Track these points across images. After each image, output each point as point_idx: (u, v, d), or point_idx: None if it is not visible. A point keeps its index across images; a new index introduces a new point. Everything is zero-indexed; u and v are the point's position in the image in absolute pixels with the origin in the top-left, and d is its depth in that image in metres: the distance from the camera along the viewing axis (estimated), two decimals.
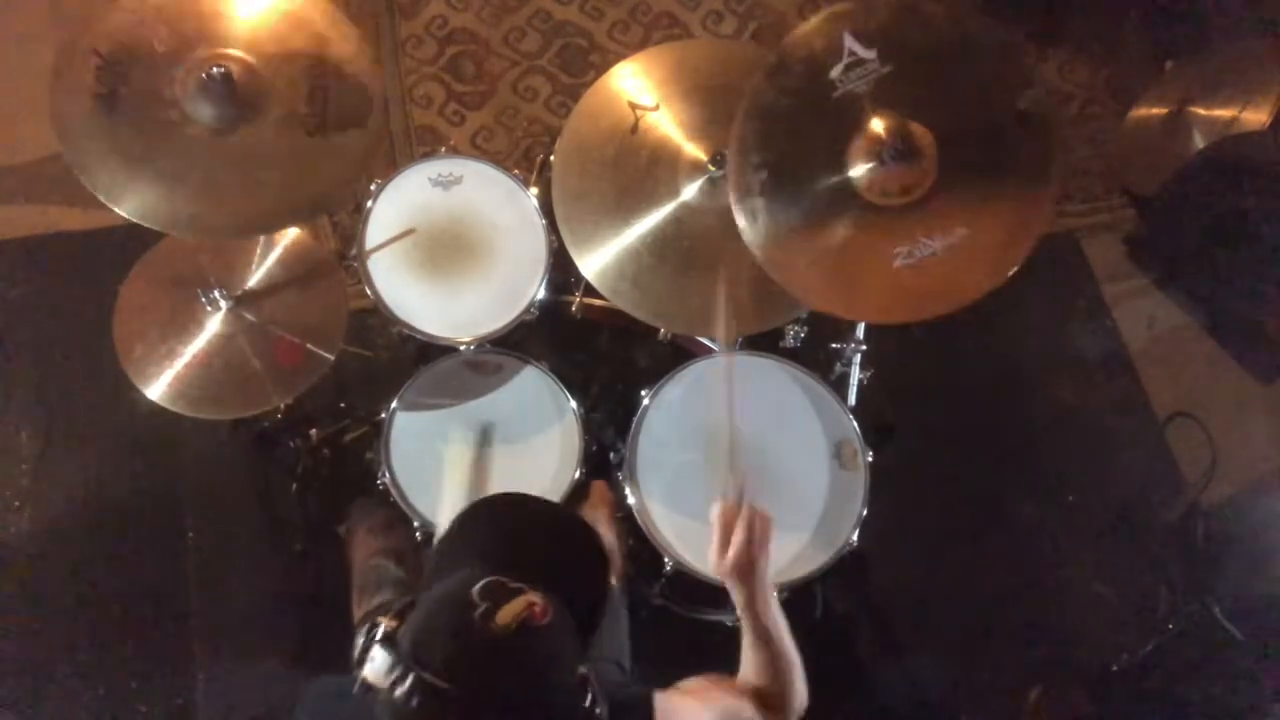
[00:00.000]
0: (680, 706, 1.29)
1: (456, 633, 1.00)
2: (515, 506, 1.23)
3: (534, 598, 1.01)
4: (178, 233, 1.79)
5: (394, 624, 1.06)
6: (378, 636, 1.04)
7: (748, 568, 1.34)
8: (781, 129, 1.67)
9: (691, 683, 1.36)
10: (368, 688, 1.02)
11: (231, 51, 1.76)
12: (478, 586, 1.01)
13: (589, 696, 1.06)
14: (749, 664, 1.39)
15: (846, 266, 1.67)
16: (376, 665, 1.01)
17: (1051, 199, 1.63)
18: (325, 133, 1.79)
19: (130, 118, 1.71)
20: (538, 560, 1.11)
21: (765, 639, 1.37)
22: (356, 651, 1.08)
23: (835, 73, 1.64)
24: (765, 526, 1.36)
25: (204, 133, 1.74)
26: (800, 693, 1.39)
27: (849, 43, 1.63)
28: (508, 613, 0.99)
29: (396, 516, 1.93)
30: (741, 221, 1.66)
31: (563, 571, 1.12)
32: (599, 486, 2.01)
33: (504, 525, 1.20)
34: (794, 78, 1.66)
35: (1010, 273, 1.60)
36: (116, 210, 1.70)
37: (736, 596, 1.36)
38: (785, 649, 1.38)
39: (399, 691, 0.98)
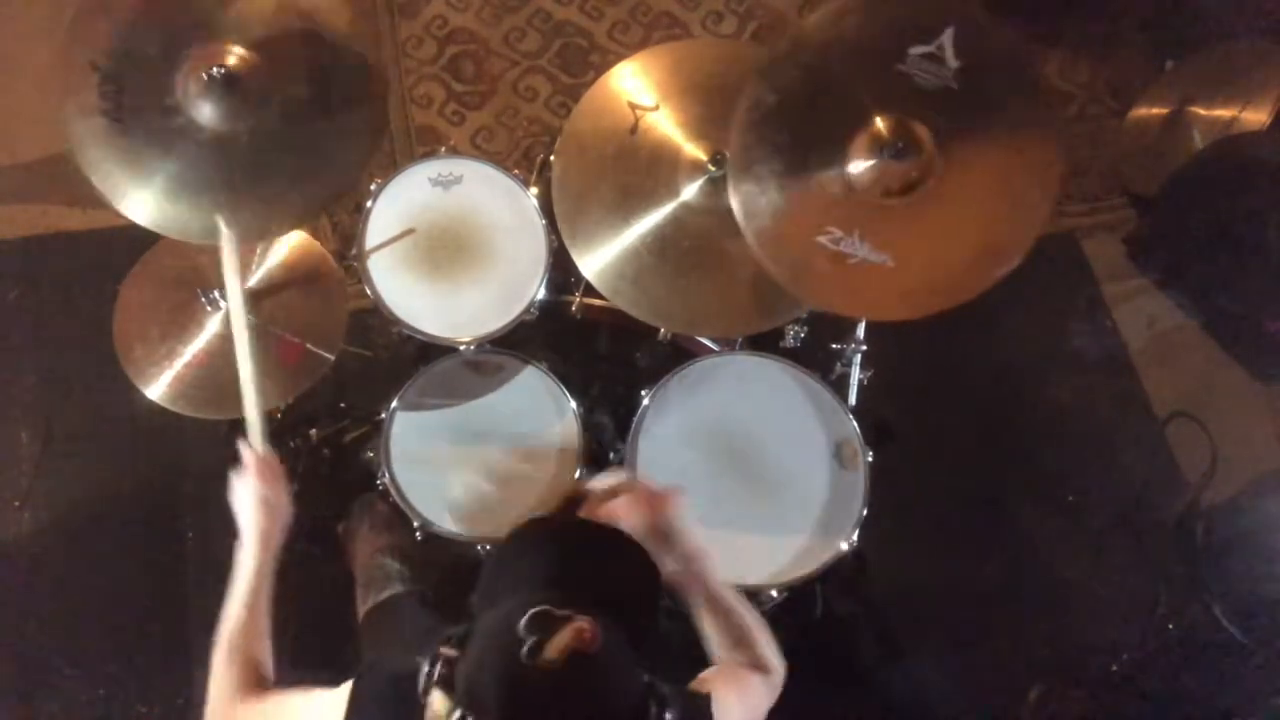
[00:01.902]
0: (723, 699, 1.28)
1: (507, 674, 0.99)
2: (567, 527, 1.26)
3: (582, 623, 0.99)
4: (203, 240, 1.76)
5: (452, 654, 1.06)
6: (437, 677, 1.05)
7: (660, 534, 1.38)
8: (789, 111, 1.66)
9: (709, 673, 1.36)
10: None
11: (227, 46, 1.74)
12: (523, 621, 0.99)
13: (654, 707, 1.05)
14: (718, 638, 1.41)
15: (843, 261, 1.66)
16: (435, 709, 1.02)
17: (1051, 200, 1.63)
18: (332, 112, 1.78)
19: (141, 131, 1.71)
20: (586, 577, 1.11)
21: (720, 605, 1.39)
22: (420, 684, 1.08)
23: (913, 52, 1.60)
24: (643, 492, 1.41)
25: (213, 136, 1.73)
26: (775, 649, 1.41)
27: (947, 39, 1.59)
28: (555, 647, 0.97)
29: (398, 514, 1.93)
30: (739, 210, 1.66)
31: (611, 584, 1.11)
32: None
33: (556, 546, 1.19)
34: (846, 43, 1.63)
35: (1007, 271, 1.60)
36: (147, 226, 1.70)
37: (668, 564, 1.39)
38: (740, 608, 1.41)
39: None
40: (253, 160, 1.74)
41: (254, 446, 1.55)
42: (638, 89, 1.95)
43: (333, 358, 2.00)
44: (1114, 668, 2.41)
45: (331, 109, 1.78)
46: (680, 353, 2.08)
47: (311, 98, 1.77)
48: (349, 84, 1.80)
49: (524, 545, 1.19)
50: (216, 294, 1.96)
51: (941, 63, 1.60)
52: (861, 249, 1.63)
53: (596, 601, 1.03)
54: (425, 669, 1.08)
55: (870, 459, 1.94)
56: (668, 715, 1.06)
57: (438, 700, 1.03)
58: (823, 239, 1.64)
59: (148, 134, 1.70)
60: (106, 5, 1.71)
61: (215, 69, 1.68)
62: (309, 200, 1.82)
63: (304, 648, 2.33)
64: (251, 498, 1.47)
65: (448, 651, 1.06)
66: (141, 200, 1.72)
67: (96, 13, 1.70)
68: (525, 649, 0.97)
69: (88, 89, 1.67)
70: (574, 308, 2.06)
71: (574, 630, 0.98)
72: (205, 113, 1.72)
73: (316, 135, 1.78)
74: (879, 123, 1.64)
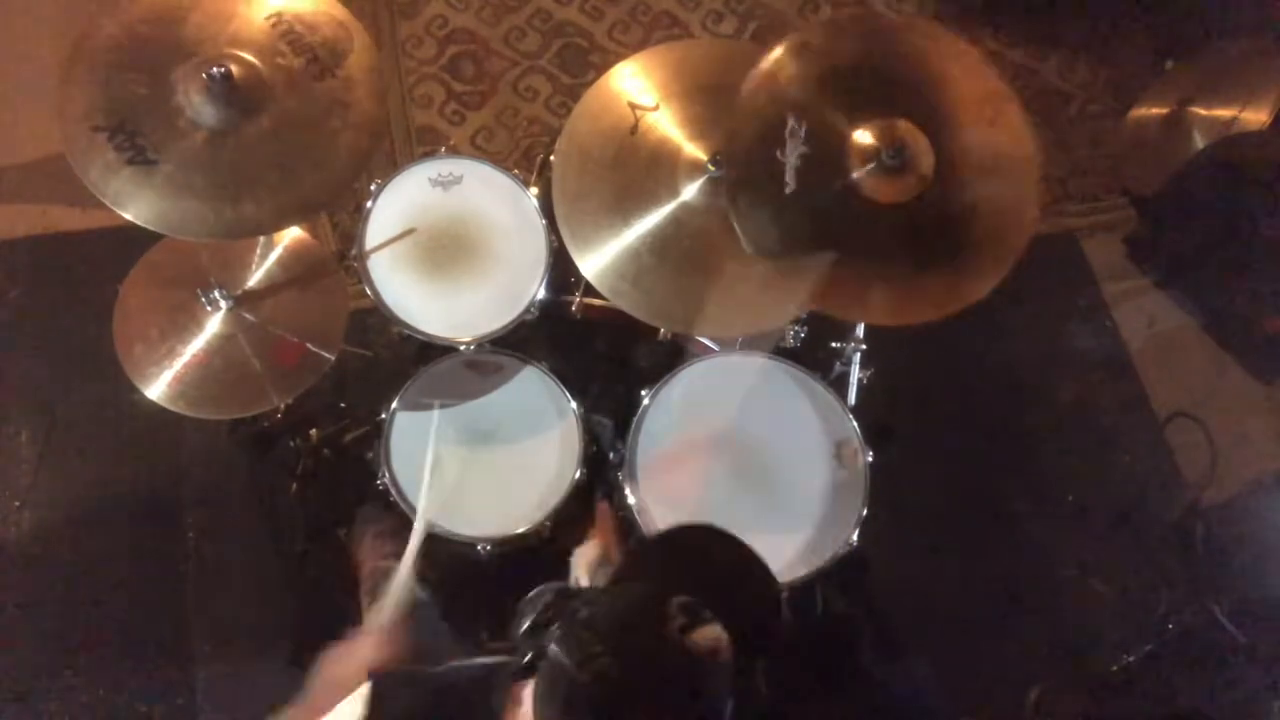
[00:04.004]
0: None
1: (655, 635, 1.03)
2: (720, 540, 1.25)
3: (724, 634, 1.04)
4: (223, 236, 1.76)
5: (587, 612, 1.09)
6: (580, 616, 1.07)
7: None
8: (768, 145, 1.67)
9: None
10: (554, 666, 1.05)
11: (205, 56, 1.74)
12: (677, 600, 1.05)
13: None
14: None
15: (848, 267, 1.67)
16: (570, 644, 1.04)
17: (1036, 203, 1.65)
18: (331, 72, 1.78)
19: (174, 158, 1.70)
20: (731, 605, 1.12)
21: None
22: (528, 621, 1.14)
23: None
24: None
25: (222, 131, 1.73)
26: None
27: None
28: (704, 635, 1.03)
29: (403, 522, 1.93)
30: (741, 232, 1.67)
31: (749, 623, 1.13)
32: (601, 509, 2.01)
33: (709, 558, 1.23)
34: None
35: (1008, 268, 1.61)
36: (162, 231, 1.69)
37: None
38: None
39: (586, 671, 1.01)
40: (265, 147, 1.74)
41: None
42: (638, 89, 1.95)
43: (333, 358, 2.00)
44: (1114, 668, 2.40)
45: (326, 68, 1.78)
46: (680, 353, 2.08)
47: (305, 65, 1.77)
48: (330, 42, 1.79)
49: (677, 546, 1.25)
50: (216, 294, 1.96)
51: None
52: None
53: (728, 620, 1.07)
54: (557, 618, 1.10)
55: (870, 459, 1.94)
56: None
57: (583, 636, 1.04)
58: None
59: (180, 157, 1.70)
60: (79, 69, 1.71)
61: (215, 69, 1.68)
62: (325, 186, 1.79)
63: (304, 647, 2.34)
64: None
65: (585, 609, 1.08)
66: (144, 200, 1.71)
67: (74, 82, 1.70)
68: (677, 624, 1.02)
69: (103, 150, 1.67)
70: (574, 308, 2.06)
71: (719, 634, 1.04)
72: (212, 113, 1.72)
73: (319, 117, 1.77)
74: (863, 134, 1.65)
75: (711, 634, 1.03)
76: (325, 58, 1.80)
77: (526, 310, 1.97)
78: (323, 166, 1.78)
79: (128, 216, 1.68)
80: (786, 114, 1.63)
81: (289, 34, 1.79)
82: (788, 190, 1.62)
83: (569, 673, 1.02)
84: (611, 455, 2.03)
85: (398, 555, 1.91)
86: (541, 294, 1.98)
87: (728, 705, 1.07)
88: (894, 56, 1.70)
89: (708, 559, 1.22)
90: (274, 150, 1.75)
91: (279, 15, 1.79)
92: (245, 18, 1.78)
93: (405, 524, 1.92)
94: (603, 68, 2.30)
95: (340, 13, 1.83)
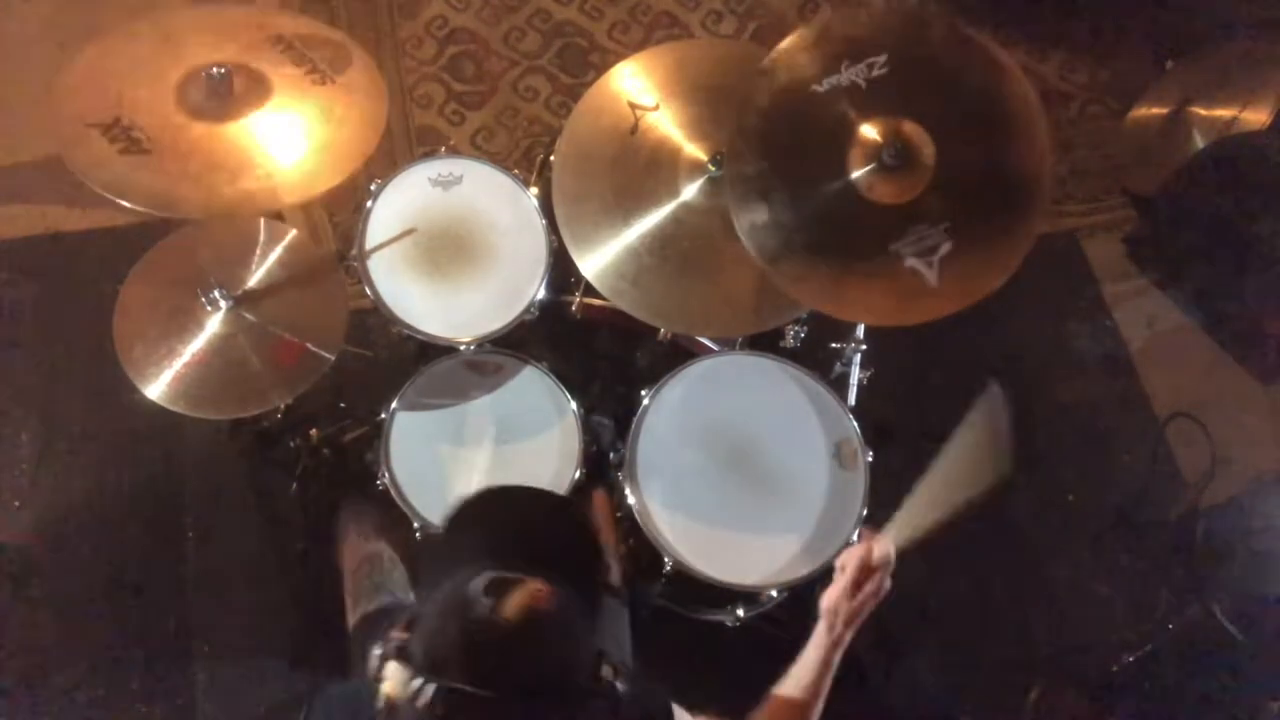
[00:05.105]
0: None
1: (467, 634, 1.01)
2: (498, 498, 1.25)
3: (535, 585, 1.02)
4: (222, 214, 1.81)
5: (403, 635, 1.06)
6: (391, 653, 1.04)
7: (855, 616, 1.36)
8: (778, 137, 1.67)
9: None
10: (390, 707, 1.03)
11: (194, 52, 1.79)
12: (478, 584, 1.02)
13: (606, 670, 1.07)
14: (799, 681, 1.37)
15: (850, 269, 1.67)
16: (395, 681, 1.02)
17: (1046, 195, 1.65)
18: (331, 77, 1.84)
19: (168, 142, 1.73)
20: (529, 547, 1.12)
21: (826, 671, 1.37)
22: (371, 670, 1.08)
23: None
24: (881, 585, 1.38)
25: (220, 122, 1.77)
26: None
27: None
28: (512, 605, 1.00)
29: (388, 520, 1.93)
30: (742, 231, 1.66)
31: (556, 553, 1.13)
32: (599, 497, 2.01)
33: (491, 519, 1.21)
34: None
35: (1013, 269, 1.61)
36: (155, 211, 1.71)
37: (828, 633, 1.37)
38: (826, 688, 1.38)
39: (421, 702, 0.99)
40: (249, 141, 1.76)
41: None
42: (638, 89, 1.95)
43: (333, 358, 1.99)
44: (1114, 668, 2.40)
45: (326, 75, 1.83)
46: (680, 353, 2.08)
47: (306, 72, 1.82)
48: (326, 51, 1.86)
49: (461, 525, 1.21)
50: (216, 294, 1.96)
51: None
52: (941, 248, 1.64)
53: (543, 567, 1.06)
54: (378, 652, 1.08)
55: (870, 459, 1.94)
56: (619, 684, 1.08)
57: (394, 673, 1.03)
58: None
59: (175, 139, 1.72)
60: (70, 77, 1.74)
61: (215, 70, 1.69)
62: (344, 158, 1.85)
63: (304, 647, 2.34)
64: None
65: (399, 634, 1.07)
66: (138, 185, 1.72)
67: (65, 92, 1.73)
68: (484, 609, 1.00)
69: (99, 145, 1.69)
70: (574, 308, 2.06)
71: (529, 589, 1.01)
72: (208, 111, 1.74)
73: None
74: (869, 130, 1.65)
75: (521, 596, 1.01)
76: (325, 69, 1.85)
77: (526, 310, 1.97)
78: (328, 146, 1.80)
79: (124, 204, 1.69)
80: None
81: (289, 50, 1.85)
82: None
83: (411, 712, 1.00)
84: (611, 455, 2.03)
85: (380, 557, 1.91)
86: (541, 294, 1.98)
87: (581, 642, 1.07)
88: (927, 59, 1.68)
89: (490, 523, 1.20)
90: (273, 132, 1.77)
91: (279, 36, 1.85)
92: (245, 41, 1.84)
93: (389, 520, 1.92)
94: (603, 68, 2.30)
95: (337, 35, 1.87)
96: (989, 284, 1.65)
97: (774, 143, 1.66)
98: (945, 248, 1.62)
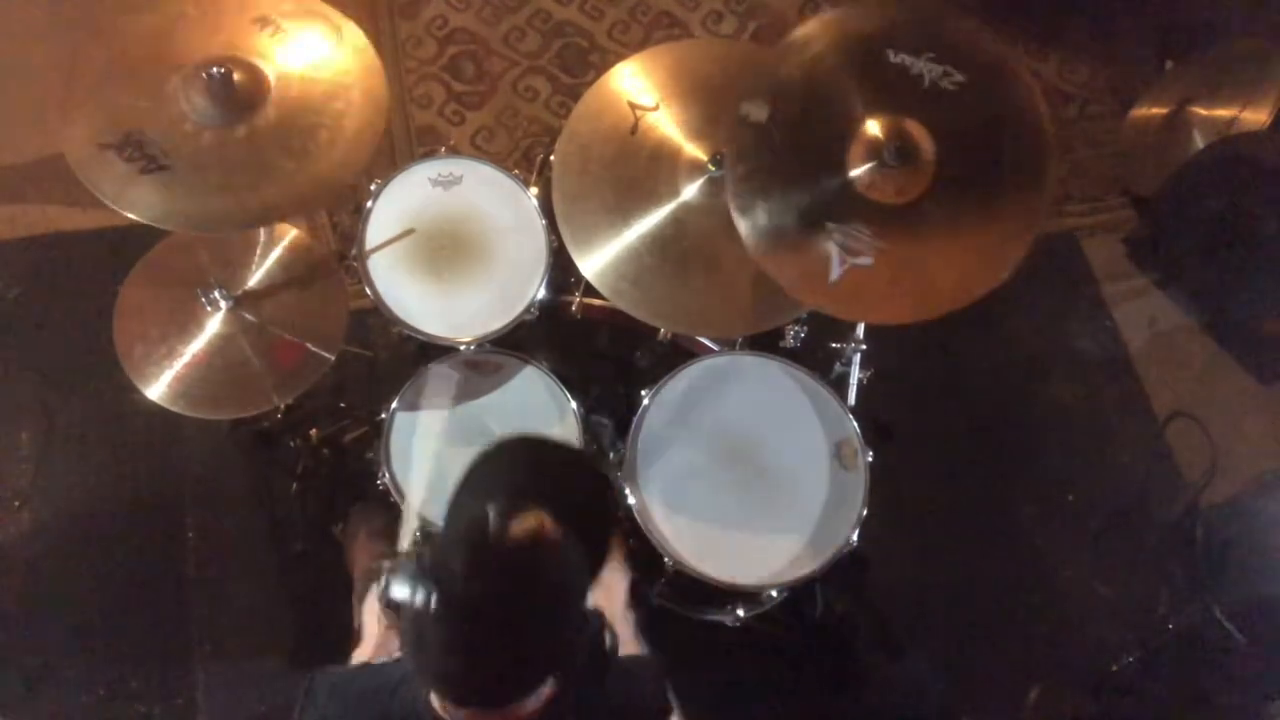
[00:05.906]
0: None
1: (473, 544, 1.07)
2: (529, 447, 1.32)
3: (545, 517, 1.08)
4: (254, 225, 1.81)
5: (411, 554, 1.14)
6: (399, 565, 1.10)
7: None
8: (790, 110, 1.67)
9: None
10: (396, 607, 1.08)
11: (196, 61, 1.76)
12: (492, 506, 1.08)
13: (597, 624, 1.13)
14: None
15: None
16: (402, 584, 1.07)
17: (1049, 195, 1.65)
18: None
19: (184, 159, 1.73)
20: (548, 495, 1.16)
21: None
22: (380, 587, 1.15)
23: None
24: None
25: (228, 127, 1.76)
26: None
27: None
28: (520, 525, 1.06)
29: (397, 521, 1.93)
30: (742, 227, 1.66)
31: (572, 509, 1.16)
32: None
33: (517, 463, 1.28)
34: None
35: (1009, 273, 1.60)
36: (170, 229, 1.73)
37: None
38: None
39: (421, 601, 1.04)
40: (261, 147, 1.76)
41: None
42: (638, 89, 1.95)
43: (333, 358, 2.00)
44: (1114, 668, 2.40)
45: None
46: (680, 353, 2.08)
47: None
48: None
49: (490, 462, 1.27)
50: (216, 294, 1.96)
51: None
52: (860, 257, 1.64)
53: (557, 514, 1.11)
54: (386, 566, 1.14)
55: (870, 459, 1.94)
56: (607, 636, 1.15)
57: (403, 575, 1.07)
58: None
59: (192, 158, 1.73)
60: (77, 95, 1.74)
61: (215, 70, 1.68)
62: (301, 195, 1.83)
63: (304, 647, 2.34)
64: None
65: (407, 553, 1.12)
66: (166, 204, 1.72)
67: (71, 107, 1.73)
68: (493, 525, 1.06)
69: (114, 164, 1.69)
70: (574, 308, 2.06)
71: (538, 517, 1.07)
72: (211, 115, 1.73)
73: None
74: (873, 126, 1.64)
75: (528, 522, 1.07)
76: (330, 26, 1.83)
77: (526, 310, 1.97)
78: (335, 145, 1.79)
79: (153, 224, 1.69)
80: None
81: (277, 34, 1.82)
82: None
83: (421, 615, 1.04)
84: (611, 455, 2.03)
85: (393, 555, 1.91)
86: (541, 294, 1.98)
87: (574, 586, 1.12)
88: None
89: (523, 468, 1.28)
90: (283, 136, 1.76)
91: (265, 18, 1.82)
92: (233, 27, 1.81)
93: (399, 522, 1.92)
94: (603, 68, 2.30)
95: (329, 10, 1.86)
96: (877, 312, 1.69)
97: (783, 119, 1.66)
98: (865, 260, 1.62)
